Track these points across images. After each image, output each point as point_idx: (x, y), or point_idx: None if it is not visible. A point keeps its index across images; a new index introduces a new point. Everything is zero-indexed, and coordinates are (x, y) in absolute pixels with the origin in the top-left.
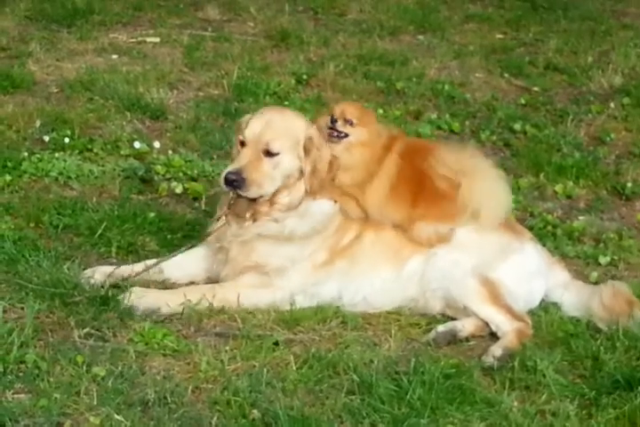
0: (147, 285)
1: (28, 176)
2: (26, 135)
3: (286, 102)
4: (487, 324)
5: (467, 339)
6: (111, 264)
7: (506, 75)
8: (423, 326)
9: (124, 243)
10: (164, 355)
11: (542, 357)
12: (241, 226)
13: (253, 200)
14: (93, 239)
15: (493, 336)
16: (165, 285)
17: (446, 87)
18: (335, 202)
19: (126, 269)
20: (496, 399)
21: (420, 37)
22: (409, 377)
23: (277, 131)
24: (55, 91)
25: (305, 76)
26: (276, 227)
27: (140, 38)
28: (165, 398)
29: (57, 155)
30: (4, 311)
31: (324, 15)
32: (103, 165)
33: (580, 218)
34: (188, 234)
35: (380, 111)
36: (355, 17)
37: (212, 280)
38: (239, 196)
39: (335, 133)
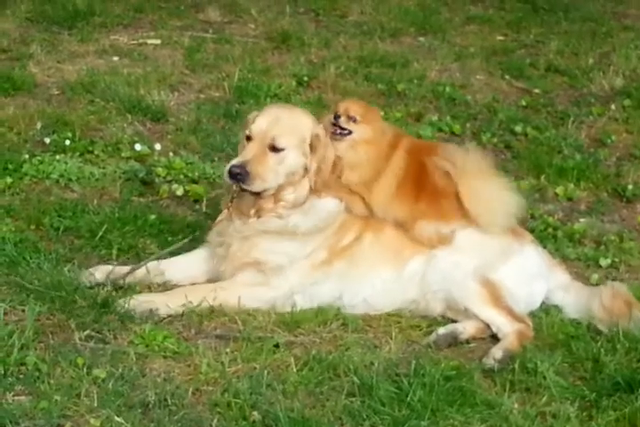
0: (148, 287)
1: (29, 178)
2: (27, 137)
3: None
4: (488, 326)
5: (467, 341)
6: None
7: (507, 77)
8: (424, 328)
9: (125, 245)
10: (165, 357)
11: (543, 359)
12: (244, 222)
13: (257, 195)
14: (94, 242)
15: (494, 338)
16: (166, 287)
17: (447, 89)
18: (340, 200)
19: (126, 268)
20: (496, 401)
21: (421, 39)
22: (409, 379)
23: (284, 127)
24: (56, 93)
25: (306, 78)
26: (279, 222)
27: (140, 40)
28: (166, 400)
29: (58, 157)
30: (5, 313)
31: (325, 17)
32: (104, 168)
33: (581, 220)
34: (189, 236)
35: (381, 113)
36: (356, 19)
37: (213, 281)
38: (242, 190)
39: (338, 130)
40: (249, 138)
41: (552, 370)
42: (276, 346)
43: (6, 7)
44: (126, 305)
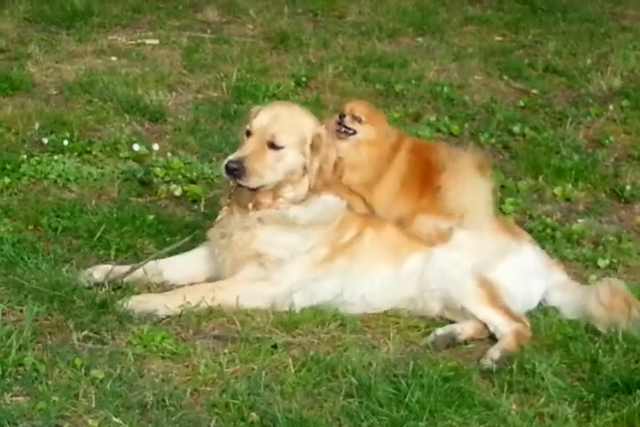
0: (146, 287)
1: (27, 178)
2: (25, 137)
3: None
4: (486, 326)
5: (465, 342)
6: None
7: (505, 77)
8: (422, 328)
9: (123, 245)
10: (163, 358)
11: (541, 360)
12: (244, 215)
13: (254, 190)
14: (92, 242)
15: (492, 339)
16: (165, 287)
17: (445, 89)
18: (342, 199)
19: (125, 268)
20: (494, 402)
21: (419, 40)
22: (407, 380)
23: (285, 125)
24: (54, 93)
25: (304, 79)
26: (279, 212)
27: (139, 40)
28: (164, 400)
29: (56, 157)
30: (3, 314)
31: (324, 17)
32: (102, 168)
33: (579, 221)
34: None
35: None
36: (354, 19)
37: (212, 281)
38: (239, 186)
39: (343, 129)
40: (249, 133)
41: (550, 371)
42: (274, 347)
43: (4, 7)
44: (125, 305)
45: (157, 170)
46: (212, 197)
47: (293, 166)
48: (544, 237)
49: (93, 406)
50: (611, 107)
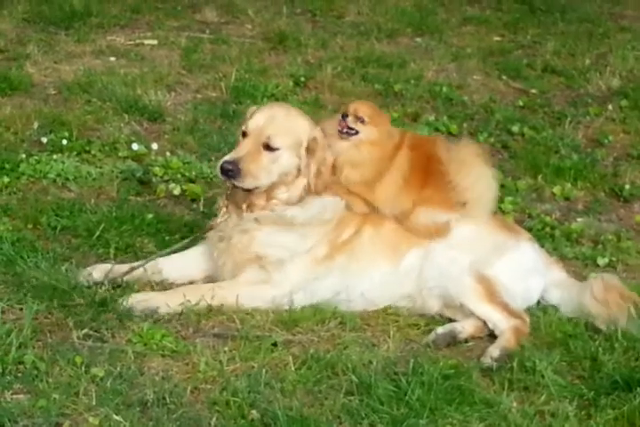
0: (145, 285)
1: (26, 178)
2: (24, 137)
3: None
4: (486, 324)
5: (465, 340)
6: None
7: (504, 77)
8: (422, 326)
9: (122, 244)
10: (163, 356)
11: (541, 357)
12: (240, 216)
13: (249, 191)
14: (91, 241)
15: (492, 337)
16: (164, 285)
17: (444, 89)
18: (341, 199)
19: (125, 267)
20: (495, 400)
21: (418, 40)
22: (408, 378)
23: (280, 127)
24: (53, 93)
25: (303, 79)
26: (276, 213)
27: (137, 40)
28: (164, 398)
29: (55, 156)
30: (3, 312)
31: (322, 17)
32: (101, 167)
33: (579, 220)
34: (187, 235)
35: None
36: (352, 19)
37: (211, 280)
38: (234, 186)
39: (345, 129)
40: (245, 134)
41: (550, 369)
42: (274, 345)
43: (3, 7)
44: (125, 304)
45: (156, 169)
46: (211, 197)
47: (288, 168)
48: (543, 236)
49: (94, 403)
50: (610, 106)
